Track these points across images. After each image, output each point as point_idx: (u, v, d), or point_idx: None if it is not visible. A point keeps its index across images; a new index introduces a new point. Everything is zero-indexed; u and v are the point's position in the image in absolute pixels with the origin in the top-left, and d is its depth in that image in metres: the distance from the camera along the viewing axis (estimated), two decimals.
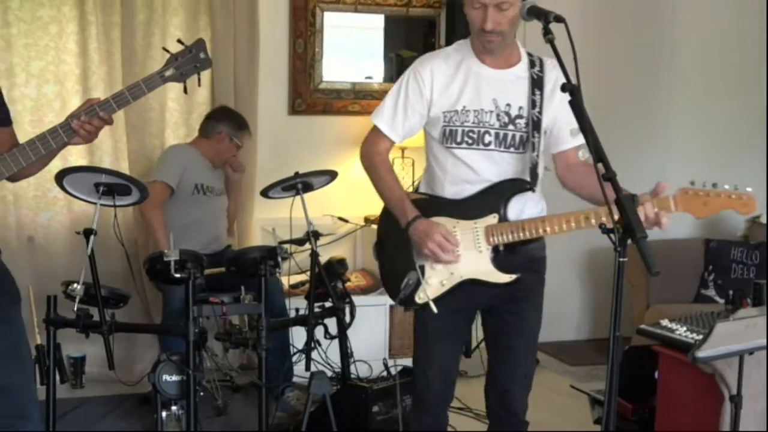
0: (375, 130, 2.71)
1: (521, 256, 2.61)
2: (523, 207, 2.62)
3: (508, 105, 2.59)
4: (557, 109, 2.60)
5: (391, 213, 2.69)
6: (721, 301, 4.83)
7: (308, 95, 5.02)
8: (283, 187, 3.92)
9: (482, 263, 2.58)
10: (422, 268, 2.62)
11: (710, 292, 4.97)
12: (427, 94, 2.62)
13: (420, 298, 2.62)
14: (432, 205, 2.65)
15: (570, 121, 2.59)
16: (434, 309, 2.60)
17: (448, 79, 2.62)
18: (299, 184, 3.89)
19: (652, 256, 1.92)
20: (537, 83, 2.60)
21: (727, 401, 2.91)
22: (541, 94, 2.59)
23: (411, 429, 2.97)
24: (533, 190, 2.59)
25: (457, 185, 2.64)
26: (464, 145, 2.60)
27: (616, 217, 2.27)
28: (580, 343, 5.64)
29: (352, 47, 5.15)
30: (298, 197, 3.89)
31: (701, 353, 2.66)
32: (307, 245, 3.86)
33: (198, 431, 3.26)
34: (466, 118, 2.59)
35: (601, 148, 2.04)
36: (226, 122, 4.42)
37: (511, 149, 2.60)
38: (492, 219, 2.58)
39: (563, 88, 2.09)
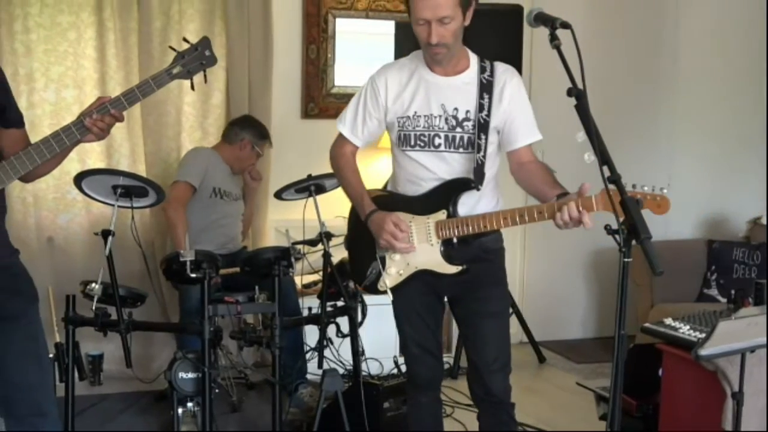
0: (340, 135, 2.90)
1: (475, 247, 2.77)
2: (476, 203, 2.77)
3: (456, 109, 2.73)
4: (507, 111, 2.74)
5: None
6: (724, 300, 4.88)
7: (321, 99, 5.08)
8: (296, 189, 4.00)
9: (434, 255, 2.75)
10: (383, 259, 2.83)
11: (713, 292, 5.01)
12: (382, 101, 2.80)
13: (381, 286, 2.84)
14: (392, 201, 2.84)
15: (522, 120, 2.75)
16: (390, 296, 2.82)
17: (401, 87, 2.78)
18: (312, 186, 3.96)
19: (656, 256, 1.98)
20: (486, 87, 2.73)
21: (729, 398, 2.95)
22: (490, 98, 2.72)
23: (409, 409, 3.07)
24: (478, 189, 2.72)
25: (414, 183, 2.81)
26: (417, 148, 2.77)
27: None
28: (585, 341, 5.68)
29: (363, 53, 5.18)
30: (311, 199, 3.96)
31: (704, 351, 2.71)
32: (320, 246, 3.90)
33: (213, 428, 3.30)
34: (417, 123, 2.75)
35: (606, 150, 2.10)
36: (250, 130, 4.50)
37: (460, 150, 2.74)
38: (441, 215, 2.74)
39: (569, 93, 2.18)
